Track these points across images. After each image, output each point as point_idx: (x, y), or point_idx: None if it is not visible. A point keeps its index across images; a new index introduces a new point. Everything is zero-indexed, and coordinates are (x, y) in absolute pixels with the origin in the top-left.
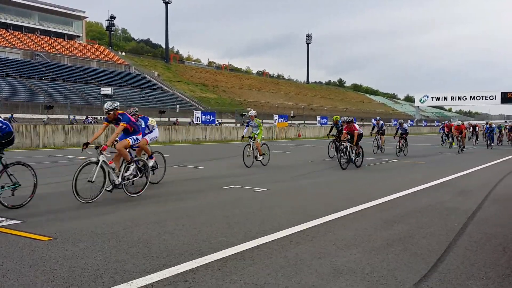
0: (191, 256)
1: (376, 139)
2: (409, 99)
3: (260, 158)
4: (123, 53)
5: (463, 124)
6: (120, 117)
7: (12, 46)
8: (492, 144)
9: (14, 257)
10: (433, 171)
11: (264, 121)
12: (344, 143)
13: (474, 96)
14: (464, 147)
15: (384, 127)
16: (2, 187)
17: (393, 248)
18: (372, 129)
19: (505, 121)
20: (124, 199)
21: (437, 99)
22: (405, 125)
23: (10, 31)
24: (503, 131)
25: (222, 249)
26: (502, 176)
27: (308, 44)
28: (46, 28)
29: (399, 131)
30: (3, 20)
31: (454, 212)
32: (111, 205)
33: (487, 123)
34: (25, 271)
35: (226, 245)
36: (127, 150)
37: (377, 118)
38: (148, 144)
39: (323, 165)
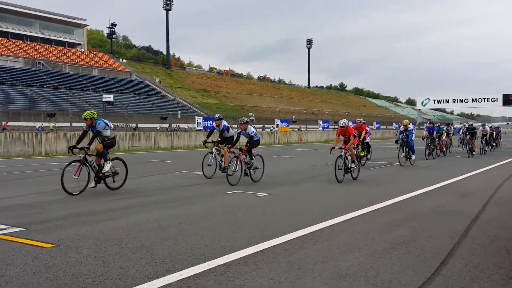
0: (194, 261)
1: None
2: (410, 102)
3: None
4: (125, 60)
5: (364, 123)
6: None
7: (13, 54)
8: (413, 158)
9: (18, 265)
10: (435, 174)
11: (265, 126)
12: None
13: (475, 99)
14: (354, 165)
15: (254, 134)
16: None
17: (396, 252)
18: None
19: (451, 122)
20: (126, 205)
21: (439, 101)
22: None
23: (11, 39)
24: (444, 136)
25: (225, 254)
26: (504, 178)
27: (308, 48)
28: (47, 37)
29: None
30: (4, 29)
31: (457, 215)
32: (113, 211)
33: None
34: (29, 278)
35: (229, 250)
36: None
37: (243, 120)
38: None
39: (325, 170)
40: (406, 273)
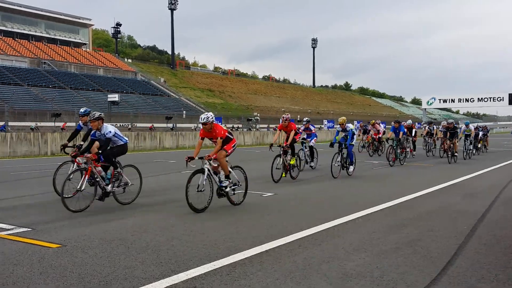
0: (199, 261)
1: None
2: (416, 102)
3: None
4: (130, 60)
5: (292, 121)
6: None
7: (19, 54)
8: (350, 169)
9: (24, 265)
10: (439, 173)
11: (270, 125)
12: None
13: (481, 98)
14: (229, 184)
15: (114, 135)
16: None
17: (402, 252)
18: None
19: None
20: (131, 205)
21: (445, 101)
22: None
23: (17, 39)
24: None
25: (231, 254)
26: (510, 178)
27: (313, 48)
28: (52, 36)
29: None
30: (10, 29)
31: (463, 215)
32: (118, 212)
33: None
34: (35, 278)
35: (235, 250)
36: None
37: (93, 115)
38: None
39: (330, 170)
40: (412, 273)
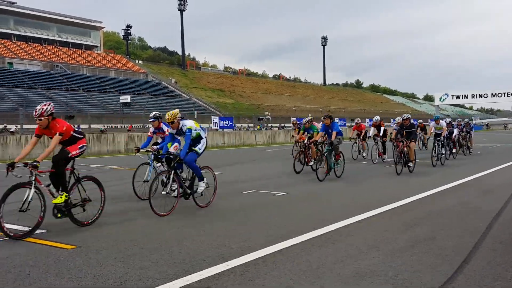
0: (213, 261)
1: None
2: (428, 98)
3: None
4: (140, 62)
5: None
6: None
7: (32, 58)
8: (200, 188)
9: (40, 266)
10: (453, 171)
11: (281, 124)
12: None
13: (495, 93)
14: None
15: None
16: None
17: (416, 250)
18: None
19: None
20: (144, 206)
21: (458, 97)
22: None
23: (29, 43)
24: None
25: (244, 254)
26: None
27: (324, 46)
28: (64, 40)
29: None
30: (22, 33)
31: (478, 213)
32: (131, 213)
33: None
34: (51, 279)
35: (248, 250)
36: None
37: None
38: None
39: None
40: (427, 272)
